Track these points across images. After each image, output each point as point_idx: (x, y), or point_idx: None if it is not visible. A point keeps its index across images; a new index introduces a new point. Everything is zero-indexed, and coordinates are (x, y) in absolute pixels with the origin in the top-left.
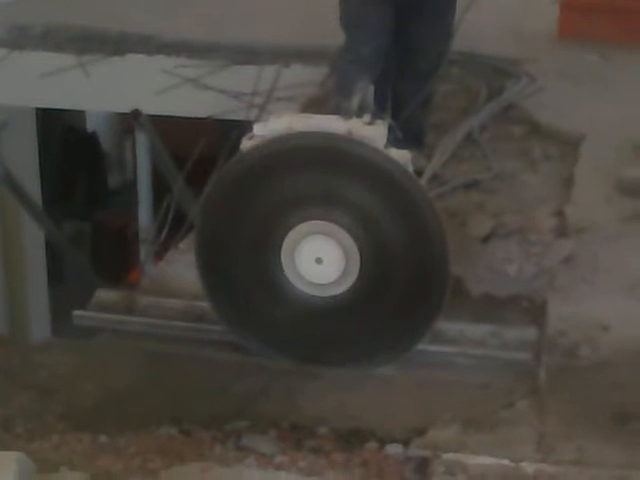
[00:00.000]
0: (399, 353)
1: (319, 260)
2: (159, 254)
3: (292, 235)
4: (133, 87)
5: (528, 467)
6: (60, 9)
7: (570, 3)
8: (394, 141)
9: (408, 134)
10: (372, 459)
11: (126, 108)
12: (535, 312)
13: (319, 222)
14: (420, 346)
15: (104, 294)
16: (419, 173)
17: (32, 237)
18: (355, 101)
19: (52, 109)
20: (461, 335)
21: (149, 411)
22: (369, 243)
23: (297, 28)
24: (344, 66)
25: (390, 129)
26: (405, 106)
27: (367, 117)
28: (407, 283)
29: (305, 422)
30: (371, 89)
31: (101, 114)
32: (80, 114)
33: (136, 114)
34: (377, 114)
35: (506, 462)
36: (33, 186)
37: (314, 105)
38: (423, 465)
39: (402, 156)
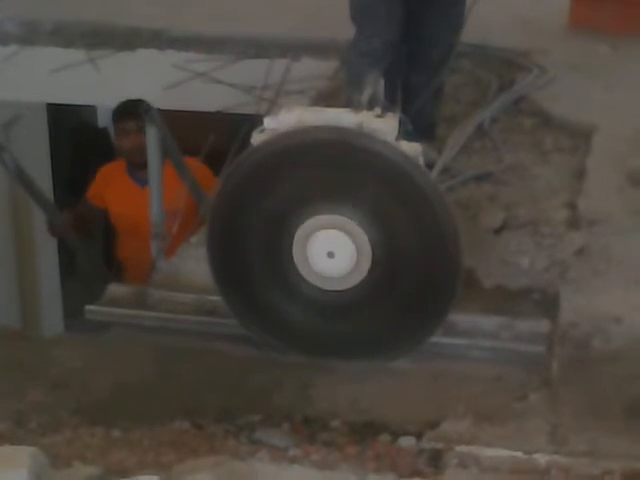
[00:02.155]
0: (411, 346)
1: (331, 254)
2: (170, 248)
3: (303, 229)
4: (143, 82)
5: (541, 459)
6: (70, 4)
7: None
8: (405, 134)
9: (419, 126)
10: (385, 452)
11: None
12: (547, 304)
13: (330, 216)
14: (433, 339)
15: (116, 288)
16: (430, 166)
17: (44, 232)
18: (366, 94)
19: (63, 104)
20: (473, 327)
21: (162, 405)
22: (380, 236)
23: (307, 21)
24: (354, 59)
25: (401, 122)
26: (416, 98)
27: (378, 110)
28: (419, 276)
29: (318, 415)
30: (381, 82)
31: (112, 109)
32: (91, 109)
33: (146, 108)
34: (388, 107)
35: (519, 454)
36: (44, 181)
37: (325, 98)
38: (436, 457)
39: (413, 149)
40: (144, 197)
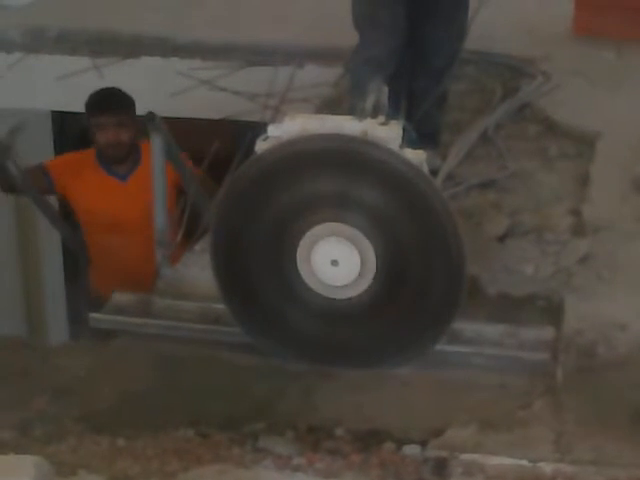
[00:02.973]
0: (416, 354)
1: (335, 262)
2: (175, 256)
3: (308, 237)
4: (148, 89)
5: (546, 467)
6: (75, 12)
7: (585, 0)
8: (409, 141)
9: (423, 133)
10: (389, 460)
11: (141, 110)
12: (552, 311)
13: (334, 224)
14: (437, 346)
15: (120, 297)
16: (434, 173)
17: (48, 240)
18: (369, 101)
19: (68, 112)
20: (478, 335)
21: (166, 413)
22: (384, 244)
23: (311, 29)
24: (358, 66)
25: (405, 129)
26: (420, 105)
27: (381, 117)
28: (423, 284)
29: (322, 423)
30: (385, 89)
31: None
32: None
33: (150, 117)
34: (391, 114)
35: (524, 462)
36: None
37: (328, 106)
38: (441, 466)
39: (417, 156)
40: (125, 192)
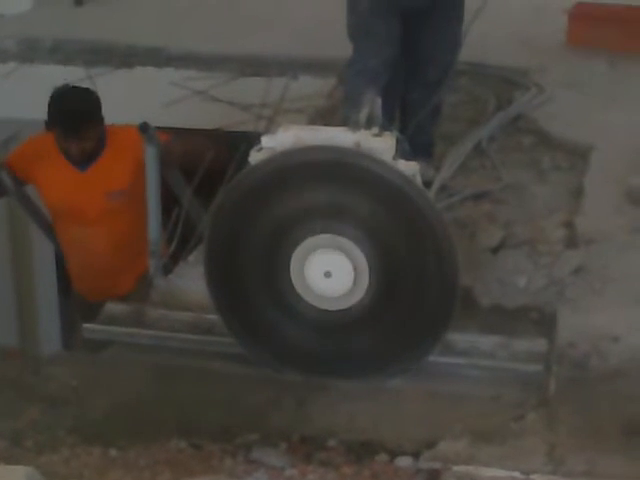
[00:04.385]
0: (409, 365)
1: (328, 274)
2: (168, 267)
3: (301, 248)
4: (141, 100)
5: (538, 479)
6: (69, 22)
7: (579, 13)
8: (402, 152)
9: (417, 145)
10: (382, 471)
11: (134, 121)
12: (545, 323)
13: (328, 235)
14: (430, 358)
15: (113, 307)
16: (428, 184)
17: (42, 250)
18: (363, 113)
19: None
20: (471, 347)
21: (159, 424)
22: (378, 256)
23: (305, 40)
24: (352, 77)
25: (398, 140)
26: (414, 117)
27: (375, 129)
28: (416, 295)
29: (315, 434)
30: (379, 100)
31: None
32: None
33: (144, 127)
34: (385, 125)
35: (516, 474)
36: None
37: (322, 116)
38: (433, 477)
39: (410, 167)
40: (85, 182)
